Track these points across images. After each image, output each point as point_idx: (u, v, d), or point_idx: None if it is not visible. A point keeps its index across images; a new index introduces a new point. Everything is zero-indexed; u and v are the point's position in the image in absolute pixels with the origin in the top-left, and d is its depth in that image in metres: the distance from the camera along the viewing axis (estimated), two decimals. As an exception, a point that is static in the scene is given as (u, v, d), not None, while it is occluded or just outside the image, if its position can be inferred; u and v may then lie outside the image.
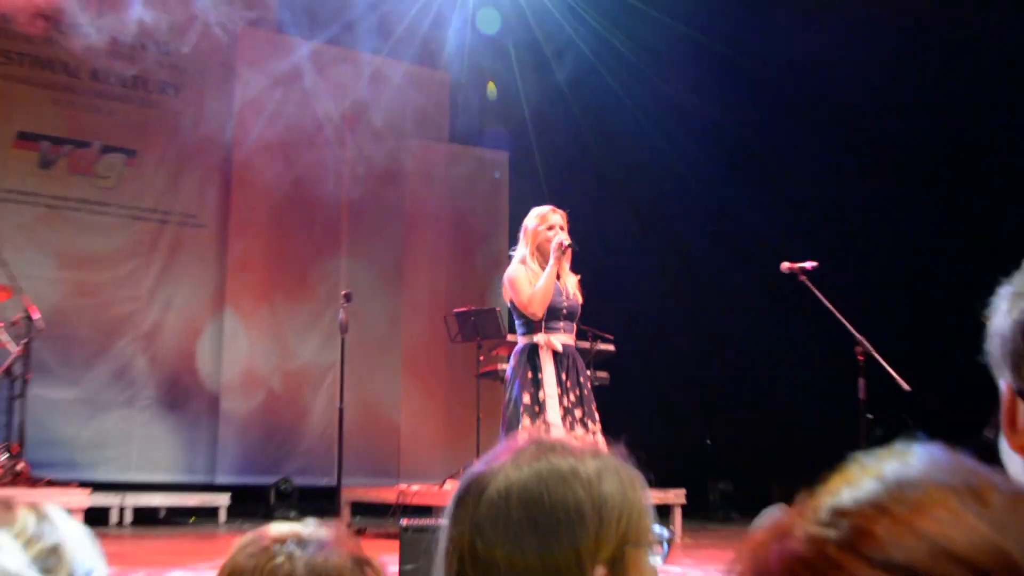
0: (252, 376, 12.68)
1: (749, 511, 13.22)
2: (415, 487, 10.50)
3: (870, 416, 6.99)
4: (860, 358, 6.97)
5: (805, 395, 12.77)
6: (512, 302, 6.27)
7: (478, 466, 1.42)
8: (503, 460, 1.39)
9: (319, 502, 12.20)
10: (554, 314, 6.17)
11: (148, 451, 12.10)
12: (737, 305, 13.43)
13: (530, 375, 6.15)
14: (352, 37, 13.01)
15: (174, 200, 12.58)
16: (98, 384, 11.90)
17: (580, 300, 6.40)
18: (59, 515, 1.28)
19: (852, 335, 6.98)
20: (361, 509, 11.25)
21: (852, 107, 12.75)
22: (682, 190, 13.63)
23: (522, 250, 6.34)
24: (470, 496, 1.38)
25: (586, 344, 10.42)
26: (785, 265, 7.19)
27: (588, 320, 8.37)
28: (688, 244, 13.66)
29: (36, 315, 8.58)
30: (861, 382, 7.00)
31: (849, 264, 11.55)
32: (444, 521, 1.43)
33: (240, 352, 12.62)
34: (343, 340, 8.03)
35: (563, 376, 6.16)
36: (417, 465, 13.12)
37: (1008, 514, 0.66)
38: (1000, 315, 1.22)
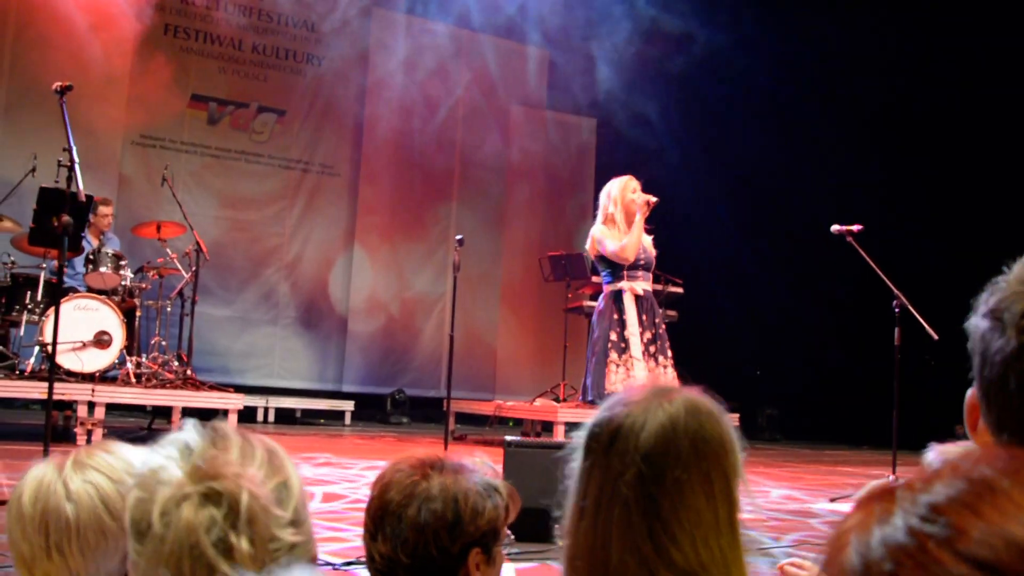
0: (374, 303, 12.84)
1: (792, 434, 13.34)
2: (509, 402, 10.55)
3: (900, 357, 6.99)
4: (896, 310, 6.96)
5: (847, 339, 12.76)
6: (600, 255, 6.29)
7: (618, 409, 1.36)
8: (643, 401, 1.35)
9: (427, 410, 12.60)
10: (634, 264, 6.29)
11: (288, 362, 12.37)
12: (792, 260, 13.29)
13: (616, 316, 6.26)
14: (467, 18, 13.00)
15: (315, 153, 12.74)
16: (248, 305, 12.16)
17: (654, 252, 6.49)
18: (285, 454, 1.26)
19: (891, 290, 6.98)
20: (463, 418, 11.29)
21: (892, 87, 12.54)
22: (751, 159, 13.49)
23: (607, 211, 6.38)
24: (627, 432, 1.33)
25: (659, 287, 10.46)
26: (835, 227, 7.14)
27: (662, 266, 8.39)
28: (752, 205, 13.53)
29: (203, 247, 8.76)
30: (897, 330, 7.00)
31: (893, 229, 11.32)
32: (586, 458, 1.35)
33: (365, 282, 12.78)
34: (455, 277, 8.11)
35: (643, 317, 6.30)
36: (510, 384, 13.22)
37: None
38: (976, 314, 1.10)
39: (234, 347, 11.97)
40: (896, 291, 6.97)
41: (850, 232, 7.10)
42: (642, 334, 6.26)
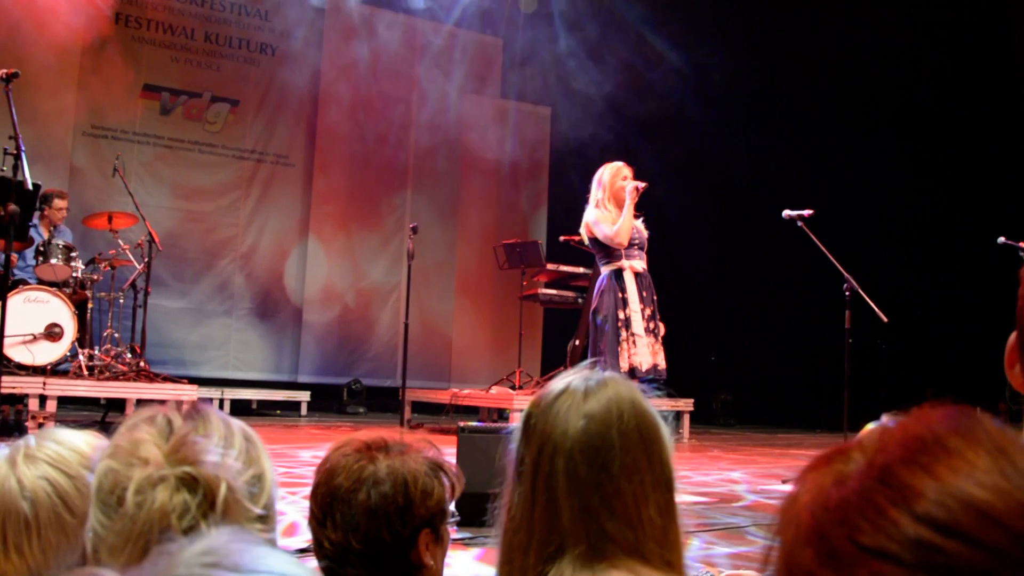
0: (330, 292, 12.75)
1: (746, 419, 13.44)
2: (465, 390, 10.56)
3: (851, 341, 7.05)
4: (847, 294, 7.01)
5: (799, 323, 12.84)
6: (594, 239, 6.40)
7: (557, 386, 1.42)
8: (580, 381, 1.40)
9: (383, 400, 12.53)
10: (630, 244, 6.36)
11: (243, 353, 12.28)
12: (745, 245, 13.37)
13: (620, 295, 6.30)
14: (421, 8, 12.93)
15: (268, 143, 12.64)
16: (203, 296, 12.04)
17: (647, 234, 6.54)
18: (262, 445, 1.24)
19: (841, 274, 7.02)
20: (419, 407, 11.24)
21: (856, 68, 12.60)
22: (703, 144, 13.55)
23: (598, 197, 6.46)
24: (568, 395, 1.38)
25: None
26: (786, 212, 7.18)
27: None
28: (703, 189, 13.54)
29: (156, 238, 8.67)
30: (847, 313, 7.06)
31: (843, 213, 11.49)
32: (526, 423, 1.41)
33: (320, 272, 12.69)
34: (409, 266, 8.05)
35: (643, 294, 6.35)
36: (466, 372, 13.23)
37: None
38: None
39: (189, 339, 11.85)
40: (846, 275, 7.01)
41: (801, 217, 7.12)
42: (643, 311, 6.31)
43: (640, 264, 6.44)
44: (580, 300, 10.44)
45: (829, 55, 12.54)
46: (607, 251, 6.43)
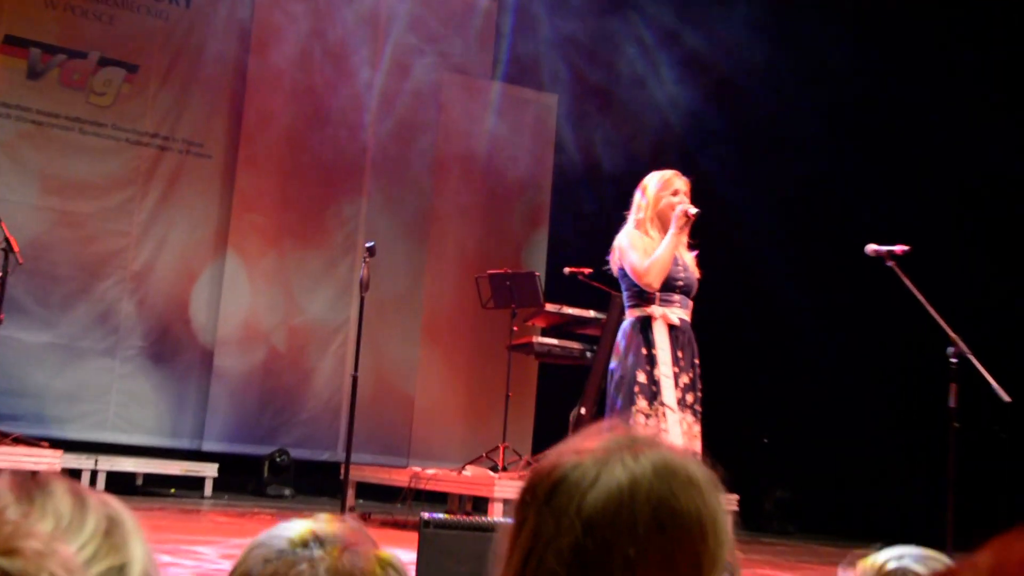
0: (252, 330, 12.70)
1: (809, 526, 13.31)
2: (430, 470, 10.50)
3: (957, 425, 7.03)
4: (953, 360, 6.97)
5: (885, 397, 12.80)
6: (623, 270, 6.41)
7: (568, 455, 1.42)
8: (602, 450, 1.40)
9: (318, 479, 12.48)
10: (669, 286, 6.36)
11: (128, 409, 12.11)
12: (810, 290, 13.34)
13: (644, 351, 6.30)
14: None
15: (177, 125, 12.57)
16: (77, 329, 11.92)
17: (697, 275, 6.55)
18: (135, 527, 1.23)
19: (946, 333, 6.97)
20: (367, 491, 11.27)
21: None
22: (750, 153, 13.64)
23: (639, 215, 6.46)
24: (571, 487, 1.37)
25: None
26: (871, 248, 7.18)
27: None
28: (757, 218, 13.56)
29: (15, 246, 8.54)
30: (952, 387, 7.03)
31: (947, 251, 11.49)
32: (518, 512, 1.43)
33: (240, 302, 12.63)
34: (361, 298, 8.10)
35: (678, 354, 6.34)
36: (432, 446, 13.23)
37: None
38: None
39: (54, 385, 11.73)
40: (953, 335, 6.97)
41: (891, 254, 7.12)
42: (677, 376, 6.29)
43: (679, 314, 6.42)
44: (589, 354, 10.40)
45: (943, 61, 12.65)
46: (636, 290, 6.41)
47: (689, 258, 6.57)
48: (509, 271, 10.87)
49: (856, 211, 12.56)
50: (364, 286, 8.11)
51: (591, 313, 10.35)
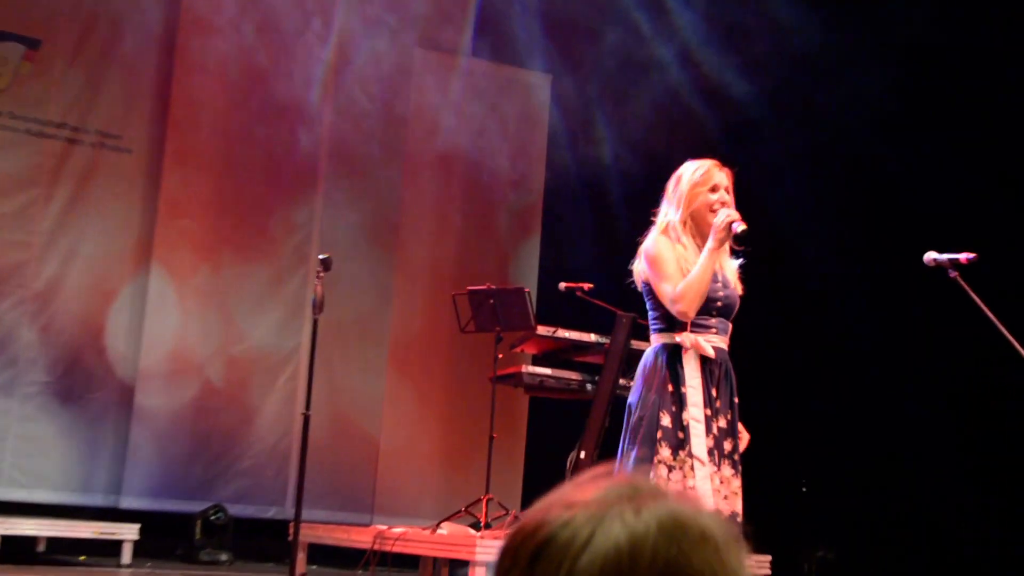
0: (182, 361, 12.45)
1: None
2: (398, 529, 10.35)
3: None
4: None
5: (947, 435, 12.62)
6: (648, 284, 6.18)
7: (556, 510, 1.44)
8: (596, 504, 1.43)
9: (261, 541, 12.51)
10: (706, 308, 6.12)
11: (27, 458, 11.89)
12: (856, 305, 13.30)
13: (671, 388, 6.07)
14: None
15: (89, 112, 12.31)
16: (-37, 360, 11.98)
17: (740, 291, 6.33)
18: None
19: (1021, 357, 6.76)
20: (321, 555, 11.08)
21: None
22: (770, 130, 13.57)
23: (669, 218, 6.21)
24: (559, 549, 1.40)
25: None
26: (930, 256, 6.89)
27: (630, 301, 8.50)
28: (805, 224, 13.55)
29: None
30: None
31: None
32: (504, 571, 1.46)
33: (168, 327, 12.39)
34: (315, 321, 8.15)
35: (712, 392, 6.12)
36: (401, 499, 13.18)
37: None
38: None
39: (-70, 430, 11.68)
40: None
41: (954, 263, 6.86)
42: (709, 420, 6.05)
43: (715, 342, 6.16)
44: (590, 386, 10.32)
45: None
46: (663, 312, 6.13)
47: (731, 270, 6.33)
48: (493, 287, 10.78)
49: (917, 213, 12.52)
50: (318, 306, 8.22)
51: (592, 337, 10.38)
